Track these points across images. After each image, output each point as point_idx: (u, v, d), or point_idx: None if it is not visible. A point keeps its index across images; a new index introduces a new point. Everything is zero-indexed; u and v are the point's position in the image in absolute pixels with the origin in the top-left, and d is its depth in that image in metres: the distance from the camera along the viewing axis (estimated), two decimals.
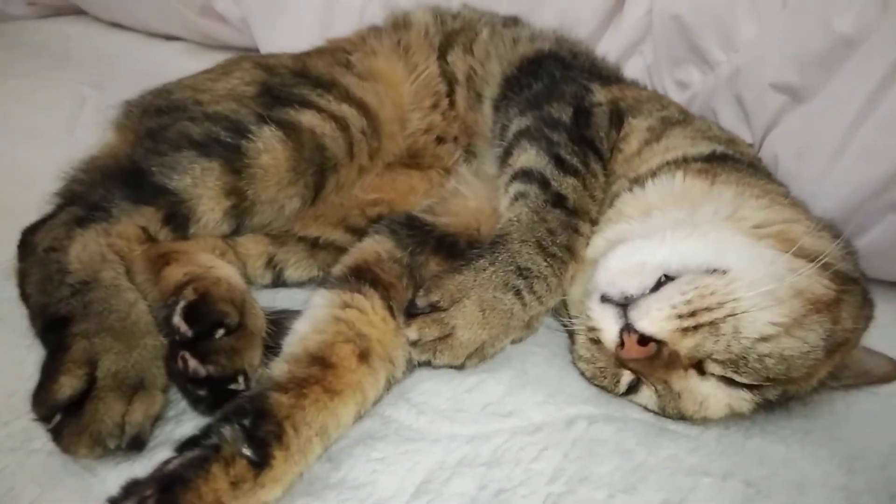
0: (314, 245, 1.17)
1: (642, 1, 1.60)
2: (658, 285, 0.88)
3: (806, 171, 1.24)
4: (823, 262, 0.91)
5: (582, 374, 1.00)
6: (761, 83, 1.34)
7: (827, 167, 1.21)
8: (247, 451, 0.70)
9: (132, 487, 0.67)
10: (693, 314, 0.84)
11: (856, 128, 1.18)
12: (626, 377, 0.94)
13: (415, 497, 0.77)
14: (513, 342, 1.01)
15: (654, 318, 0.85)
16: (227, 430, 0.71)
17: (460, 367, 0.97)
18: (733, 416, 0.93)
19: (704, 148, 1.14)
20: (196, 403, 0.83)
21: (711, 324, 0.84)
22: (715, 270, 0.88)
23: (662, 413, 0.93)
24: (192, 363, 0.80)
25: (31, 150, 1.41)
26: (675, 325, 0.85)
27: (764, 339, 0.85)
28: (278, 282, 1.16)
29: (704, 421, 0.92)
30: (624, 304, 0.89)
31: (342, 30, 1.55)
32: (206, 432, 0.72)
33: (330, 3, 1.84)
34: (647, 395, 0.94)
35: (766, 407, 0.93)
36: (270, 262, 1.15)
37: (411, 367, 0.97)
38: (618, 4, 1.66)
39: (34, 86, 1.71)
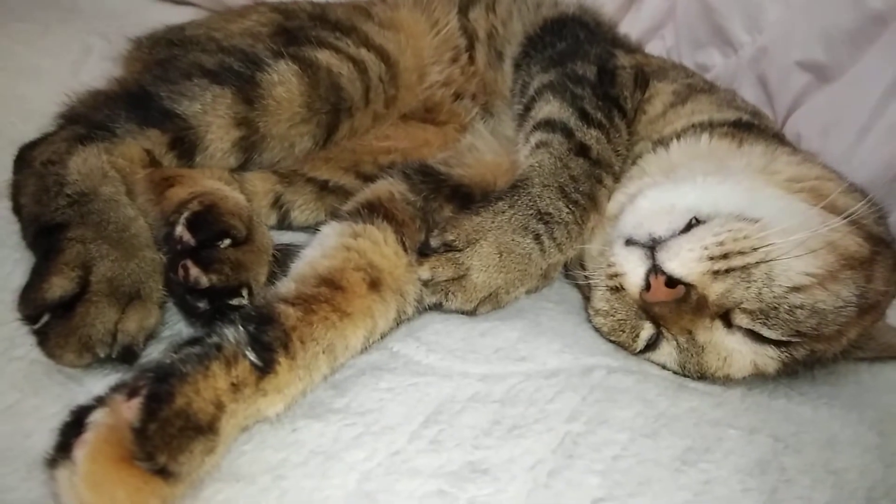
0: (323, 188, 1.13)
1: None
2: (688, 227, 0.84)
3: (831, 149, 1.21)
4: (856, 221, 0.88)
5: (598, 330, 0.96)
6: (786, 62, 1.32)
7: (853, 144, 1.19)
8: (250, 354, 0.65)
9: (122, 385, 0.62)
10: (725, 257, 0.80)
11: (884, 105, 1.16)
12: (646, 331, 0.90)
13: (424, 426, 0.72)
14: (528, 292, 0.97)
15: (684, 259, 0.81)
16: (230, 331, 0.66)
17: (472, 313, 0.92)
18: (757, 378, 0.89)
19: (731, 115, 1.12)
20: (193, 317, 0.77)
21: (743, 268, 0.80)
22: (748, 218, 0.84)
23: (682, 370, 0.89)
24: (194, 271, 0.75)
25: (33, 88, 1.36)
26: (705, 268, 0.80)
27: (797, 288, 0.81)
28: (284, 223, 1.12)
29: (726, 380, 0.88)
30: (651, 247, 0.85)
31: None
32: (208, 333, 0.67)
33: None
34: (666, 351, 0.89)
35: (791, 370, 0.89)
36: (277, 202, 1.10)
37: (421, 308, 0.92)
38: None
39: (41, 31, 1.66)
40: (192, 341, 0.66)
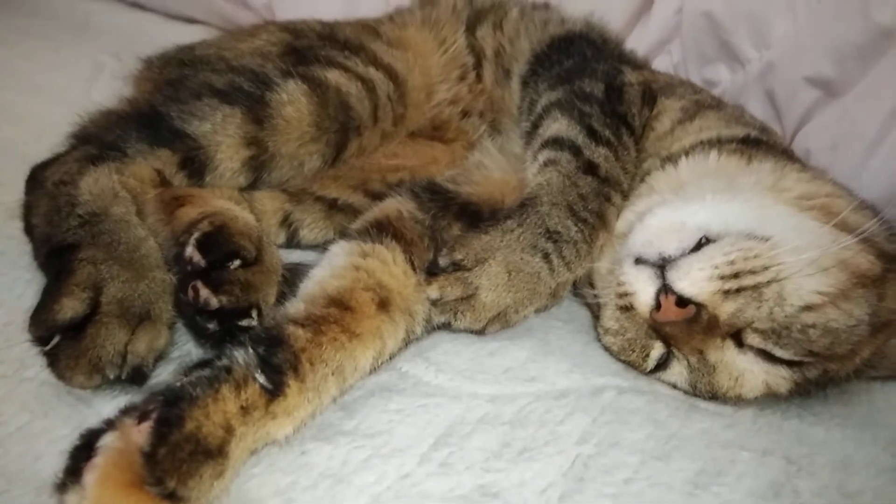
0: (332, 206, 1.13)
1: (672, 0, 1.60)
2: (698, 246, 0.83)
3: (840, 165, 1.21)
4: (868, 238, 0.88)
5: (608, 349, 0.95)
6: (794, 78, 1.32)
7: (862, 160, 1.18)
8: (260, 377, 0.65)
9: (132, 409, 0.62)
10: (736, 276, 0.80)
11: (894, 120, 1.15)
12: (657, 350, 0.89)
13: (434, 448, 0.71)
14: (537, 311, 0.96)
15: (694, 279, 0.81)
16: (240, 354, 0.66)
17: (481, 332, 0.91)
18: (768, 398, 0.88)
19: (739, 131, 1.11)
20: (203, 339, 0.77)
21: (755, 287, 0.80)
22: (758, 236, 0.84)
23: (693, 391, 0.88)
24: (204, 292, 0.75)
25: (45, 104, 1.38)
26: (716, 287, 0.80)
27: (809, 307, 0.80)
28: (292, 242, 1.12)
29: (738, 400, 0.87)
30: (661, 266, 0.84)
31: (367, 15, 1.53)
32: (217, 356, 0.67)
33: None
34: (677, 370, 0.89)
35: (803, 391, 0.88)
36: (286, 221, 1.10)
37: (430, 327, 0.92)
38: (646, 3, 1.65)
39: (54, 48, 1.69)
40: (202, 363, 0.66)
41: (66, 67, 1.62)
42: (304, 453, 0.69)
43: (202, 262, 0.78)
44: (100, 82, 1.57)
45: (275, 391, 0.65)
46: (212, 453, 0.59)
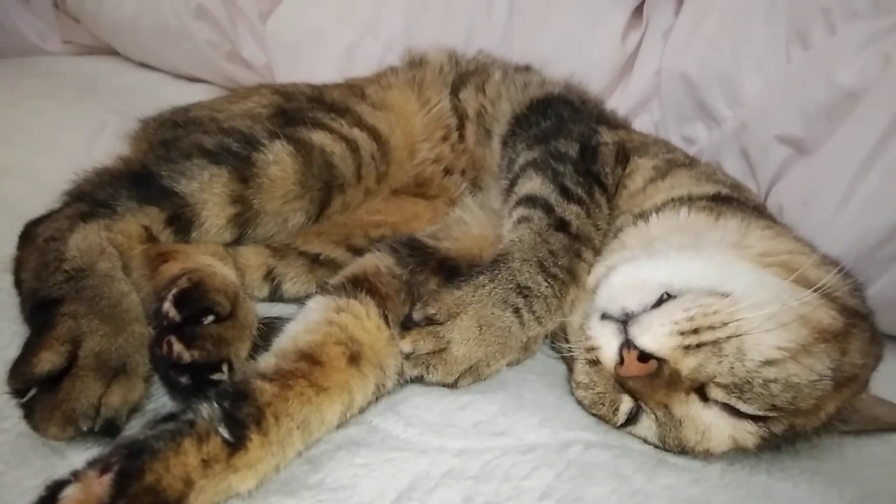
0: (314, 261, 1.16)
1: (652, 62, 1.67)
2: (660, 302, 0.86)
3: (811, 220, 1.24)
4: (830, 294, 0.90)
5: (580, 403, 0.96)
6: (766, 136, 1.37)
7: (832, 216, 1.21)
8: (223, 431, 0.67)
9: (96, 461, 0.63)
10: (695, 331, 0.82)
11: (860, 177, 1.19)
12: (626, 404, 0.90)
13: (396, 502, 0.72)
14: (509, 364, 0.98)
15: (655, 334, 0.83)
16: (205, 409, 0.68)
17: (453, 386, 0.93)
18: (737, 453, 0.89)
19: (710, 189, 1.15)
20: (176, 392, 0.79)
21: (714, 343, 0.82)
22: (719, 293, 0.86)
23: (662, 445, 0.89)
24: (177, 347, 0.77)
25: (46, 161, 1.43)
26: (676, 342, 0.82)
27: (769, 362, 0.82)
28: (275, 295, 1.15)
29: (707, 455, 0.88)
30: (624, 321, 0.86)
31: (361, 74, 1.61)
32: (183, 410, 0.69)
33: (351, 51, 1.92)
34: (646, 424, 0.90)
35: (772, 445, 0.89)
36: (269, 275, 1.14)
37: (402, 381, 0.93)
38: (627, 66, 1.73)
39: (58, 107, 1.75)
40: (169, 417, 0.68)
41: (69, 126, 1.68)
42: None
43: (177, 318, 0.80)
44: (101, 140, 1.62)
45: (237, 444, 0.67)
46: None
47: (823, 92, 1.26)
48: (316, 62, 1.98)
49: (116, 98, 1.96)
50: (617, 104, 1.70)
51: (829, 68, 1.26)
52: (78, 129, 1.66)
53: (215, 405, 0.69)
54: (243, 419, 0.69)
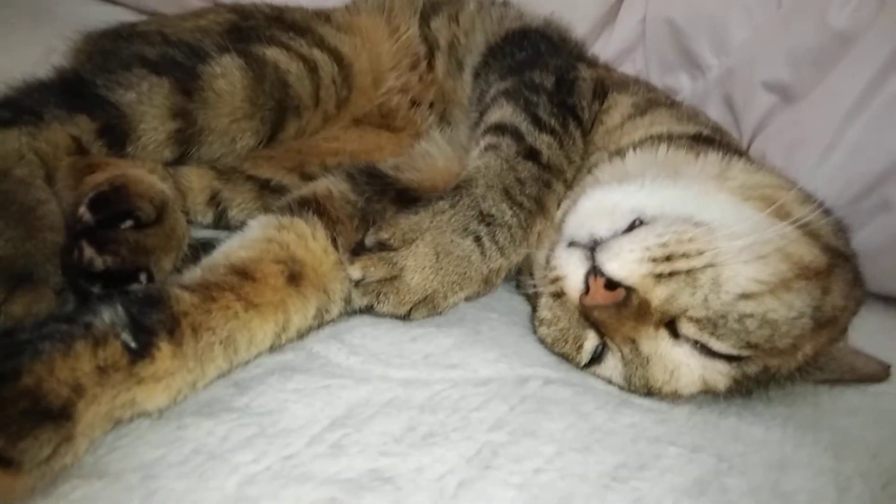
0: (264, 186, 1.08)
1: (637, 9, 1.59)
2: (631, 227, 0.79)
3: (796, 168, 1.17)
4: (813, 230, 0.84)
5: (542, 341, 0.90)
6: (752, 83, 1.30)
7: (817, 163, 1.15)
8: (125, 336, 0.58)
9: None
10: (668, 259, 0.75)
11: (848, 124, 1.13)
12: (590, 342, 0.84)
13: (328, 430, 0.65)
14: (468, 298, 0.91)
15: (624, 260, 0.76)
16: (106, 312, 0.59)
17: (406, 318, 0.85)
18: (707, 397, 0.83)
19: (691, 128, 1.08)
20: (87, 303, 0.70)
21: (688, 272, 0.75)
22: (695, 221, 0.79)
23: (628, 385, 0.83)
24: (89, 251, 0.69)
25: None
26: (647, 269, 0.75)
27: (746, 295, 0.75)
28: (220, 223, 1.06)
29: (675, 397, 0.81)
30: (592, 248, 0.79)
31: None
32: (81, 311, 0.60)
33: None
34: (612, 364, 0.84)
35: (744, 389, 0.83)
36: (214, 199, 1.05)
37: (350, 310, 0.86)
38: (611, 13, 1.64)
39: (7, 32, 1.64)
40: (64, 319, 0.59)
41: (15, 50, 1.57)
42: (181, 428, 0.62)
43: (91, 221, 0.72)
44: (47, 65, 1.51)
45: (140, 352, 0.59)
46: (52, 414, 0.52)
47: (813, 35, 1.20)
48: None
49: (71, 28, 1.84)
50: (600, 52, 1.61)
51: (821, 10, 1.19)
52: (24, 52, 1.53)
53: (120, 307, 0.60)
54: (152, 326, 0.61)
